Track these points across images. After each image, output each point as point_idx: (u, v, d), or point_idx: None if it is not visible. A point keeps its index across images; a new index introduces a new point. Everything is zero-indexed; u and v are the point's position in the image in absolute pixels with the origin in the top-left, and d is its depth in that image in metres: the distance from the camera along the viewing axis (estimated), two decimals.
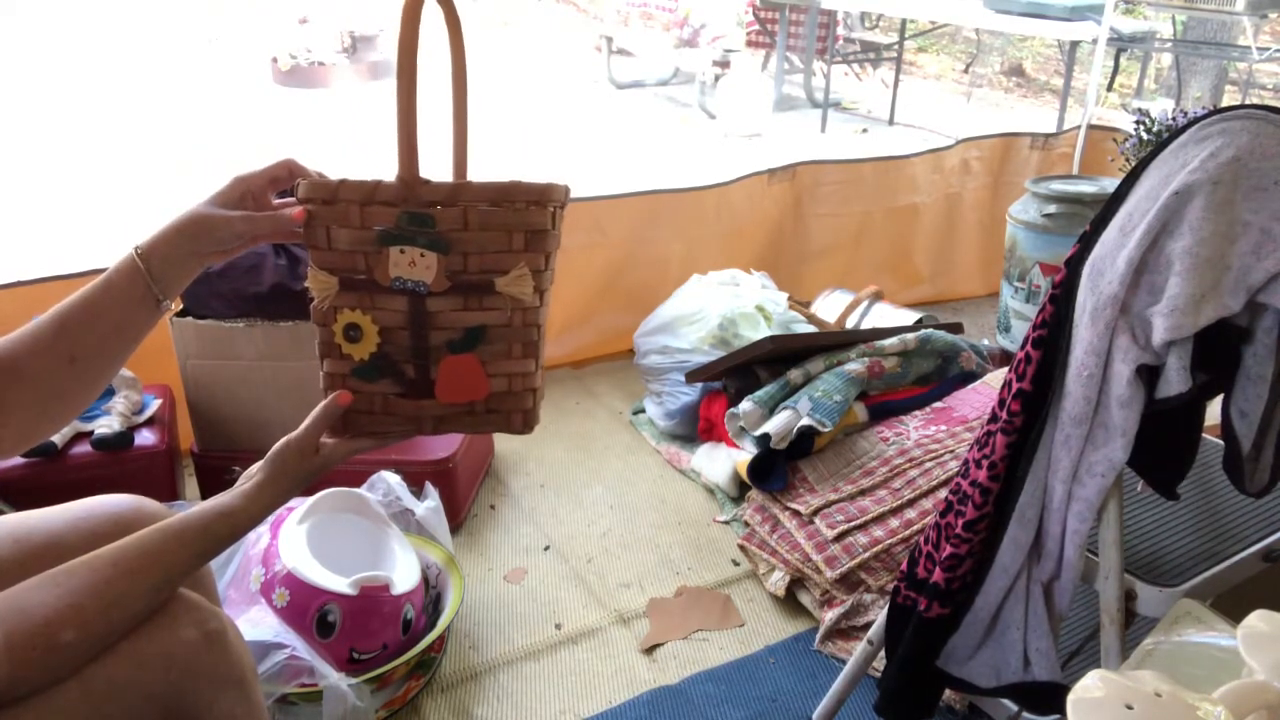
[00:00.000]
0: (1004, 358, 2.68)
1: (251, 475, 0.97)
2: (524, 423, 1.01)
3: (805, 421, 1.96)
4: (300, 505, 1.66)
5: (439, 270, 0.95)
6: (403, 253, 0.95)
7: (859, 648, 1.41)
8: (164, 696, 0.89)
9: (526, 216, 0.95)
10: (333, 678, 1.43)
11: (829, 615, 1.76)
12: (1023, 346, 1.12)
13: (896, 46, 7.13)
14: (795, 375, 2.09)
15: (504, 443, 2.42)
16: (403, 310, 0.96)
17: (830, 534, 1.80)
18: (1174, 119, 2.97)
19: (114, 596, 0.86)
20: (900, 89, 6.92)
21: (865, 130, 6.52)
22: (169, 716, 0.91)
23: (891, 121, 6.72)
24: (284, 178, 1.00)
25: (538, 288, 0.97)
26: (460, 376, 0.98)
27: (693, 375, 2.33)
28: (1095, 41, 4.00)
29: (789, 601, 1.88)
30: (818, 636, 1.77)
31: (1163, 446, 1.08)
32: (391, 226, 0.94)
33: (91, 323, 0.96)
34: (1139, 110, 3.21)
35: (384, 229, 0.94)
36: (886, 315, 2.62)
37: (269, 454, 0.97)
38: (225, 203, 0.99)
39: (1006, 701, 1.40)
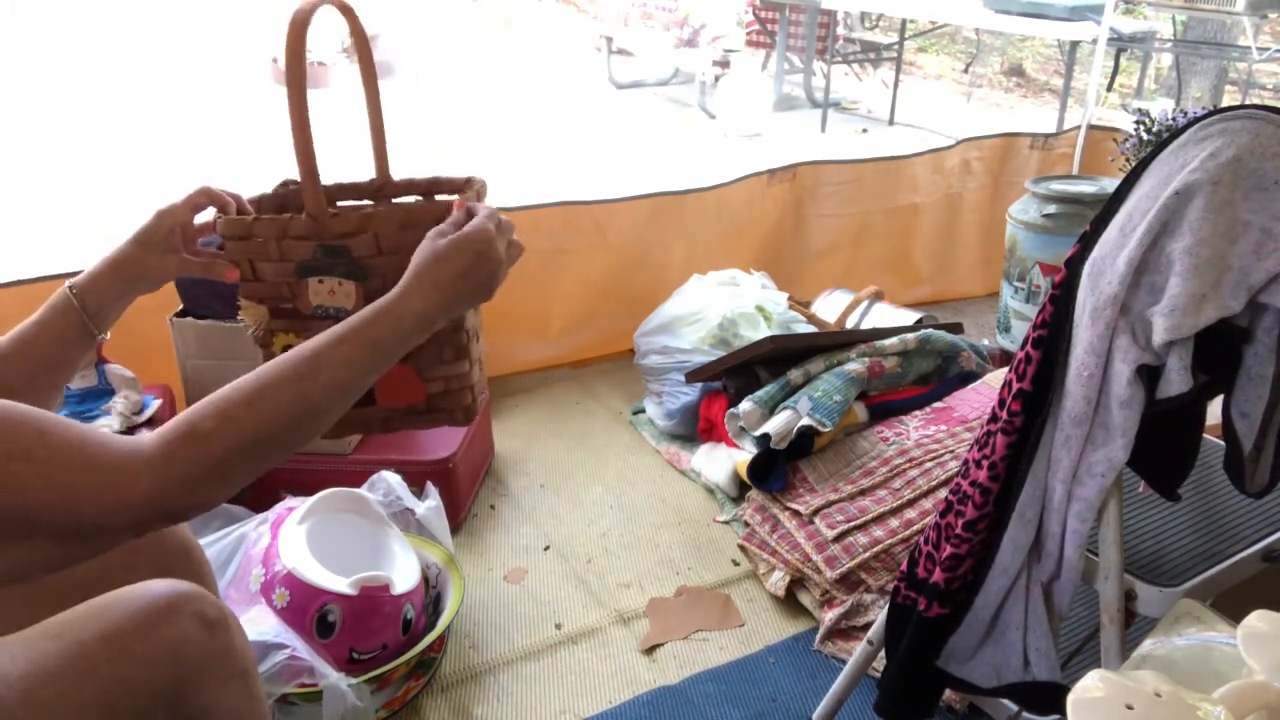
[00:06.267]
0: (1004, 358, 2.67)
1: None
2: (465, 416, 1.09)
3: (805, 421, 1.96)
4: (300, 505, 1.66)
5: (358, 296, 1.00)
6: (321, 283, 0.99)
7: (859, 648, 1.41)
8: (170, 694, 0.90)
9: None
10: (333, 678, 1.43)
11: (829, 615, 1.76)
12: (1023, 346, 1.12)
13: (896, 46, 7.13)
14: (795, 375, 2.09)
15: (504, 443, 2.42)
16: None
17: (830, 534, 1.80)
18: (1174, 119, 2.97)
19: (257, 388, 0.85)
20: (900, 89, 6.92)
21: (865, 130, 6.52)
22: (174, 713, 0.91)
23: (891, 121, 6.72)
24: (204, 204, 1.09)
25: None
26: (396, 385, 1.03)
27: (693, 375, 2.33)
28: (1095, 41, 4.00)
29: (789, 601, 1.88)
30: (818, 636, 1.77)
31: (1163, 447, 1.08)
32: (308, 259, 0.99)
33: (25, 359, 1.00)
34: (1139, 110, 3.21)
35: (301, 261, 0.99)
36: (886, 315, 2.62)
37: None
38: (153, 239, 1.06)
39: (1006, 701, 1.40)
